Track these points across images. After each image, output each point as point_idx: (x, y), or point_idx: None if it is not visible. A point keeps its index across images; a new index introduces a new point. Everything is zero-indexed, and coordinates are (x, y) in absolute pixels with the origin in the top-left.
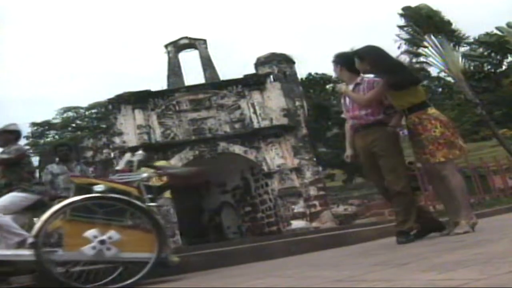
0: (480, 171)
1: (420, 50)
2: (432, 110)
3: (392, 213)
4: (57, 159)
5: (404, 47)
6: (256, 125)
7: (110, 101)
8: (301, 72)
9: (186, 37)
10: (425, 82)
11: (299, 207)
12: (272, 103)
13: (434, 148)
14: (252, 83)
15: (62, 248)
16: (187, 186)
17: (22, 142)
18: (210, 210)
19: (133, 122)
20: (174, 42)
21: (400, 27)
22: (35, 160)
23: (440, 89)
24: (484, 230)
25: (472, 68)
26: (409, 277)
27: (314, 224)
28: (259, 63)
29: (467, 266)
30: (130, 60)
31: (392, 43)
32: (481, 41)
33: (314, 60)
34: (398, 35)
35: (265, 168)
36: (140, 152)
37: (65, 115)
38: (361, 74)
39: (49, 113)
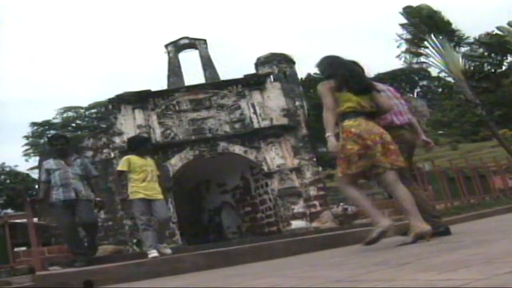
0: (480, 171)
1: (421, 50)
2: (348, 122)
3: (392, 214)
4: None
5: (404, 46)
6: (256, 125)
7: (110, 101)
8: (301, 72)
9: (186, 37)
10: (425, 82)
11: (299, 207)
12: (272, 103)
13: (338, 163)
14: (252, 83)
15: None
16: None
17: (22, 142)
18: (210, 210)
19: (133, 122)
20: (174, 42)
21: (402, 25)
22: (35, 161)
23: (440, 89)
24: (484, 230)
25: (472, 68)
26: (409, 277)
27: (314, 224)
28: (259, 63)
29: (467, 266)
30: (130, 60)
31: (393, 43)
32: (481, 42)
33: (314, 60)
34: (399, 35)
35: (265, 168)
36: None
37: (65, 115)
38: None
39: (49, 113)
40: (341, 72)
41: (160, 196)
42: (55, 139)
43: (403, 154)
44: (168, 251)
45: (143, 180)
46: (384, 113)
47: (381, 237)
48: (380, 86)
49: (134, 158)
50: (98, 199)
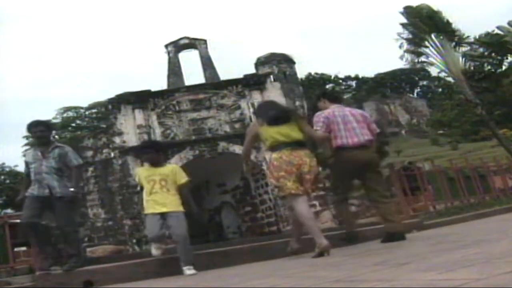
0: (480, 171)
1: (421, 50)
2: (273, 155)
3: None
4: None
5: (405, 46)
6: None
7: (110, 101)
8: (301, 72)
9: (186, 37)
10: (425, 82)
11: None
12: None
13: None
14: (252, 83)
15: None
16: None
17: (22, 142)
18: (210, 210)
19: (133, 122)
20: (174, 42)
21: (403, 24)
22: None
23: (440, 89)
24: (484, 230)
25: (472, 68)
26: (409, 277)
27: None
28: (259, 63)
29: (467, 266)
30: (130, 60)
31: (393, 43)
32: (481, 41)
33: (314, 60)
34: (399, 35)
35: (265, 168)
36: None
37: (65, 115)
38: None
39: (49, 113)
40: (266, 111)
41: (175, 209)
42: (33, 125)
43: (351, 174)
44: (190, 272)
45: (150, 192)
46: (318, 141)
47: (320, 256)
48: (321, 116)
49: (141, 170)
50: (71, 189)
